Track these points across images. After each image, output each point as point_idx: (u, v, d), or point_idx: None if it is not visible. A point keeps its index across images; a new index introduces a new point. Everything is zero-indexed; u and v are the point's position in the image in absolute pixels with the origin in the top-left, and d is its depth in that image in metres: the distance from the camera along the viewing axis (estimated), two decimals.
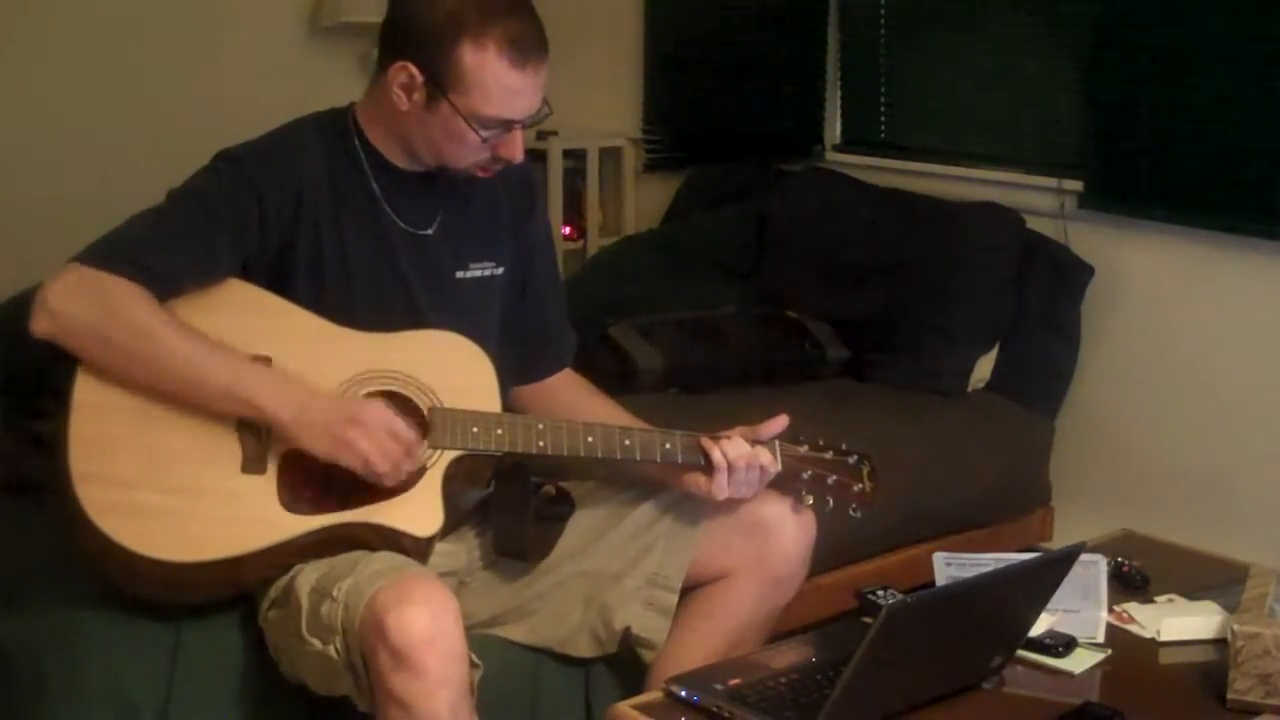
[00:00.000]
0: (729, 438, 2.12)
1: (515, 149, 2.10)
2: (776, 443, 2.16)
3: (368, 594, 1.85)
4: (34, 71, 4.14)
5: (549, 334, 2.37)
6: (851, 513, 2.21)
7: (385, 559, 1.96)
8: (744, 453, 2.11)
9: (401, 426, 1.98)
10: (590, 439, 2.11)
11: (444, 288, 2.18)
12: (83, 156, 4.15)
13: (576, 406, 2.27)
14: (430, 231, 2.17)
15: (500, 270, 2.25)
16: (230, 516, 1.96)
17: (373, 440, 1.95)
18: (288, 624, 1.97)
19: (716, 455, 2.10)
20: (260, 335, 2.02)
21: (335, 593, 1.89)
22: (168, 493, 1.95)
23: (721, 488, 2.11)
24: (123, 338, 1.93)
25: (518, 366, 2.29)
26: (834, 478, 2.19)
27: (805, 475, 2.18)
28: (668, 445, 2.13)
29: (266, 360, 2.01)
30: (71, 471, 1.93)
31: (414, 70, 2.03)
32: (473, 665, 1.88)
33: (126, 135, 4.20)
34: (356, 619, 1.84)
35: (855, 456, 2.23)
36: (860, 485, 2.21)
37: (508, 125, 2.06)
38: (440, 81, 2.02)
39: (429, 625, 1.80)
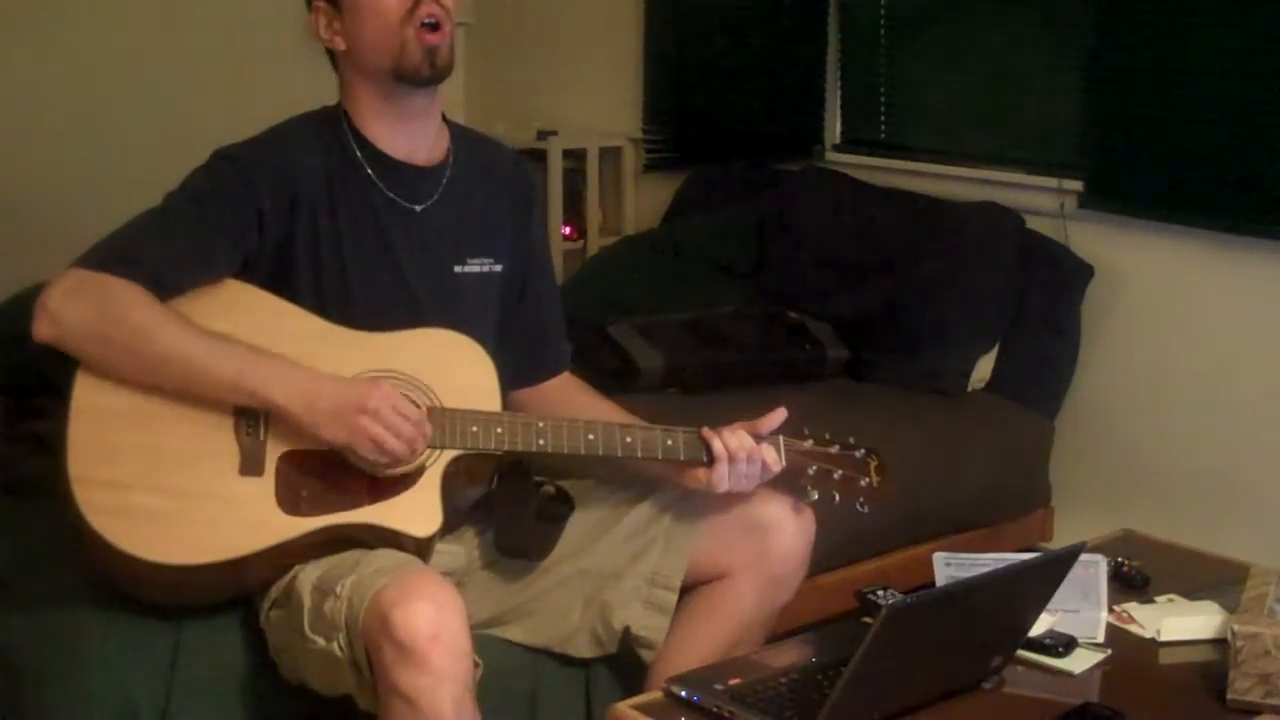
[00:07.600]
0: (731, 429, 2.11)
1: None
2: (781, 439, 2.15)
3: (372, 590, 1.85)
4: (34, 73, 4.14)
5: (548, 336, 2.37)
6: (859, 507, 2.18)
7: (387, 556, 1.97)
8: (746, 445, 2.10)
9: (408, 405, 1.99)
10: (591, 437, 2.11)
11: (443, 282, 2.18)
12: (83, 157, 4.15)
13: (577, 408, 2.27)
14: (425, 207, 2.16)
15: (499, 268, 2.25)
16: (229, 518, 1.96)
17: (386, 424, 1.95)
18: (290, 623, 1.97)
19: (718, 446, 2.09)
20: (259, 337, 2.01)
21: (338, 590, 1.89)
22: (166, 495, 1.95)
23: (721, 479, 2.09)
24: (125, 338, 1.94)
25: (517, 370, 2.28)
26: (840, 473, 2.17)
27: (810, 470, 2.16)
28: (669, 442, 2.12)
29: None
30: (70, 475, 1.93)
31: (317, 4, 2.11)
32: (473, 664, 1.88)
33: (127, 136, 4.20)
34: (360, 615, 1.84)
35: (862, 450, 2.20)
36: (867, 479, 2.18)
37: None
38: None
39: (434, 621, 1.80)
